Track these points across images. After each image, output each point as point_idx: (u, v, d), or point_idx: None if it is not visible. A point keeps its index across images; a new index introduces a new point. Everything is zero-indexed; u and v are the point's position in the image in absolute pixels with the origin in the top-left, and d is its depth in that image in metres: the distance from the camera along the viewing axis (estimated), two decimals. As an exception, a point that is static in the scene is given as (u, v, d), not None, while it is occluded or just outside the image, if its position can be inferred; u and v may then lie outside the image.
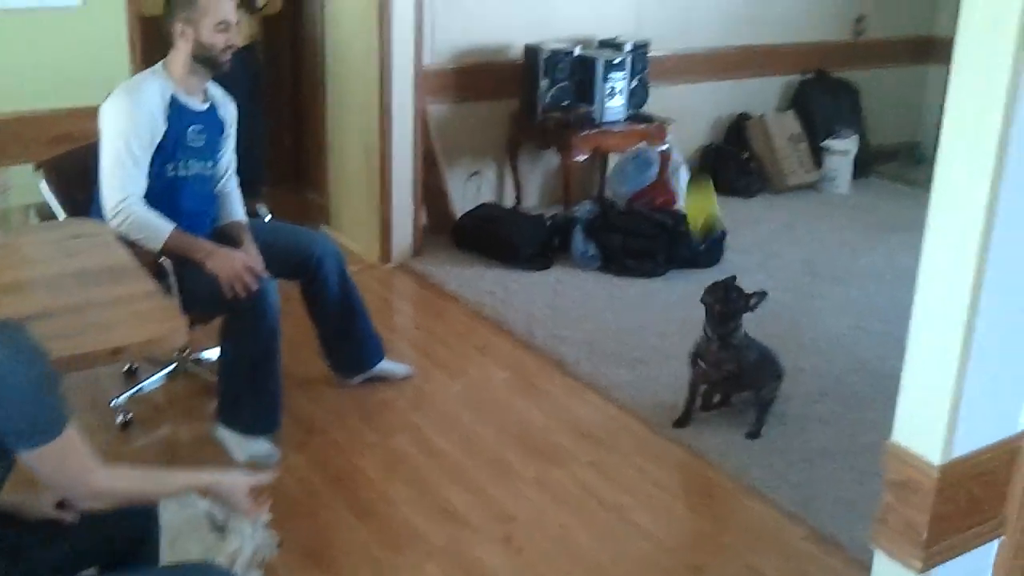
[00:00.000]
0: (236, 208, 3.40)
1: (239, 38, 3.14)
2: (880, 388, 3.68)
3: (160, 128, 3.06)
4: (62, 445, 1.73)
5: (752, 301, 3.36)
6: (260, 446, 3.15)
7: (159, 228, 3.00)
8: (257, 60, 4.87)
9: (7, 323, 1.73)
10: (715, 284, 3.37)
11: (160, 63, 3.14)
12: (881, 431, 1.92)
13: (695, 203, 2.83)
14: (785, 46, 6.36)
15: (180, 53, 3.09)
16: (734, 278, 3.40)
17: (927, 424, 1.88)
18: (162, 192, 3.09)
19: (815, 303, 4.52)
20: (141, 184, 3.04)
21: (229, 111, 3.33)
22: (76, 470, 1.76)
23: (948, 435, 1.85)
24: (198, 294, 3.01)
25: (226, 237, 3.28)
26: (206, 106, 3.21)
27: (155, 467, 2.03)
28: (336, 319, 3.49)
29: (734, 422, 3.44)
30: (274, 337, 3.11)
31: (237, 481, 2.00)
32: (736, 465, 3.19)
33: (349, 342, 3.56)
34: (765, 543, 2.85)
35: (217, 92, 3.30)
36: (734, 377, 3.38)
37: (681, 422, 3.42)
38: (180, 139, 3.12)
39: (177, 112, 3.10)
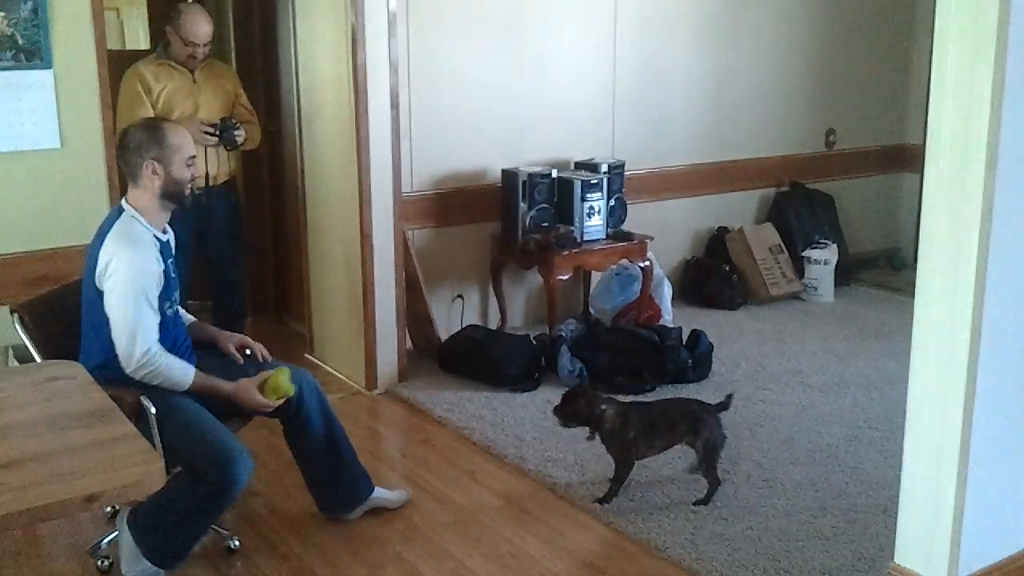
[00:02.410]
0: (185, 314, 3.44)
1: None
2: (880, 499, 3.61)
3: (161, 270, 3.08)
4: None
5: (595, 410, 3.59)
6: (149, 569, 3.09)
7: (183, 375, 3.07)
8: (238, 195, 4.91)
9: None
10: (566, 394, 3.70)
11: (125, 205, 3.13)
12: (884, 546, 1.88)
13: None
14: (759, 160, 6.47)
15: (147, 191, 3.10)
16: (577, 390, 3.70)
17: (929, 545, 1.83)
18: (162, 332, 3.09)
19: (807, 414, 4.47)
20: (156, 334, 3.05)
21: (172, 235, 3.34)
22: None
23: (952, 555, 1.79)
24: (174, 445, 2.94)
25: (197, 342, 3.35)
26: (168, 237, 3.23)
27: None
28: (321, 456, 3.40)
29: (735, 540, 3.35)
30: (224, 505, 3.09)
31: None
32: (737, 587, 3.09)
33: (337, 479, 3.46)
34: (773, 670, 2.73)
35: None
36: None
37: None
38: (169, 276, 3.14)
39: (162, 250, 3.13)
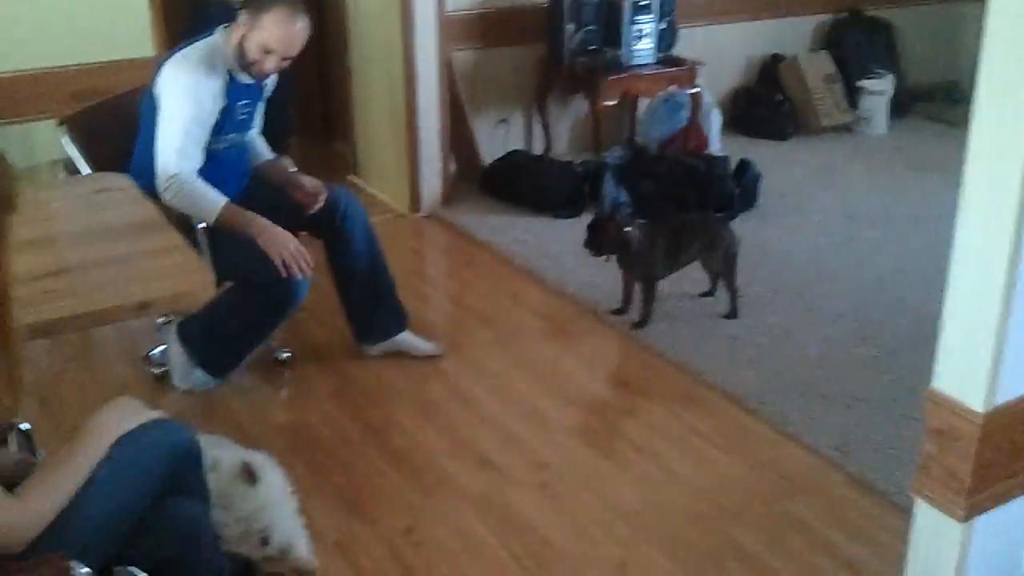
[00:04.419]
0: (263, 149, 3.40)
1: (274, 68, 3.05)
2: (922, 331, 3.60)
3: (219, 107, 3.03)
4: None
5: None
6: (202, 376, 3.21)
7: (211, 202, 2.96)
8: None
9: None
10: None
11: (220, 30, 3.05)
12: (923, 375, 1.88)
13: None
14: (818, -18, 6.21)
15: (233, 38, 3.01)
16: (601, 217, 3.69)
17: (969, 369, 1.82)
18: (208, 166, 3.05)
19: (853, 246, 4.44)
20: (196, 160, 3.01)
21: (271, 79, 3.25)
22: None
23: (991, 380, 1.79)
24: (230, 260, 2.96)
25: (267, 179, 3.32)
26: (253, 82, 3.14)
27: (78, 441, 1.75)
28: (361, 279, 3.37)
29: (772, 365, 3.39)
30: (281, 319, 3.15)
31: None
32: (774, 411, 3.14)
33: (373, 306, 3.42)
34: (803, 489, 2.81)
35: None
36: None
37: (619, 312, 3.76)
38: (230, 115, 3.09)
39: (232, 89, 3.06)
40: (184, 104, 2.96)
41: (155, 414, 1.88)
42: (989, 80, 1.88)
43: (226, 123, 3.09)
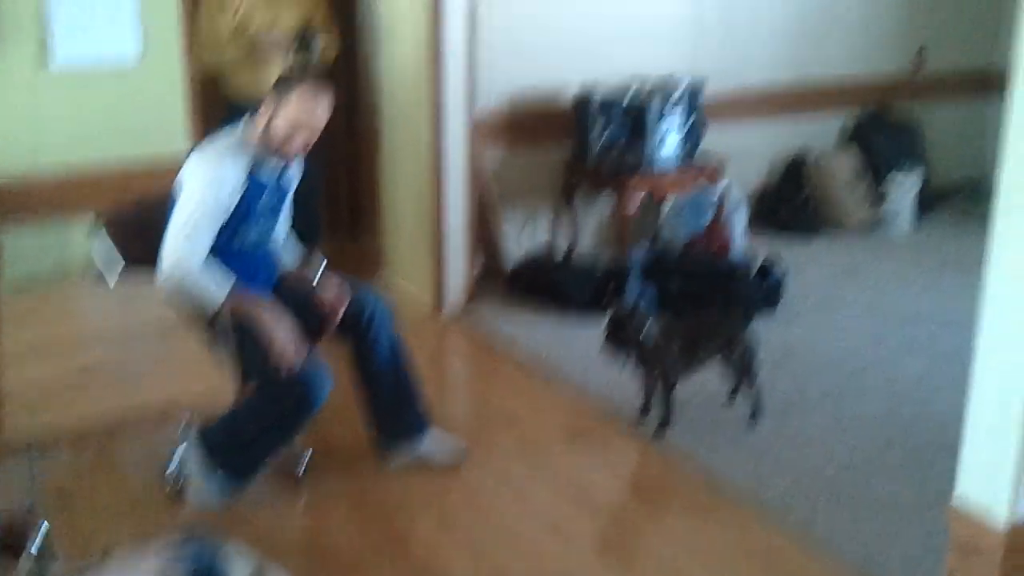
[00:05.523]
0: (288, 256, 3.41)
1: (302, 145, 3.11)
2: (951, 436, 3.51)
3: (239, 194, 3.06)
4: None
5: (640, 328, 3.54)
6: (218, 488, 3.09)
7: (216, 286, 2.95)
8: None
9: None
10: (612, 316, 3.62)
11: (246, 119, 3.14)
12: (949, 482, 1.85)
13: None
14: (843, 78, 6.26)
15: (260, 122, 3.09)
16: (621, 314, 3.60)
17: (992, 481, 1.79)
18: (224, 261, 3.06)
19: (880, 347, 4.40)
20: (203, 250, 3.00)
21: (297, 170, 3.30)
22: None
23: (1015, 493, 1.76)
24: (253, 355, 2.94)
25: (295, 281, 3.31)
26: (275, 176, 3.18)
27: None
28: (385, 385, 3.34)
29: (797, 470, 3.34)
30: (301, 422, 3.09)
31: None
32: (799, 518, 3.09)
33: (395, 413, 3.38)
34: (829, 600, 2.74)
35: None
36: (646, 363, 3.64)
37: (642, 412, 3.72)
38: (253, 207, 3.11)
39: (253, 183, 3.09)
40: (202, 192, 2.99)
41: None
42: (1011, 177, 1.88)
43: (250, 216, 3.11)
